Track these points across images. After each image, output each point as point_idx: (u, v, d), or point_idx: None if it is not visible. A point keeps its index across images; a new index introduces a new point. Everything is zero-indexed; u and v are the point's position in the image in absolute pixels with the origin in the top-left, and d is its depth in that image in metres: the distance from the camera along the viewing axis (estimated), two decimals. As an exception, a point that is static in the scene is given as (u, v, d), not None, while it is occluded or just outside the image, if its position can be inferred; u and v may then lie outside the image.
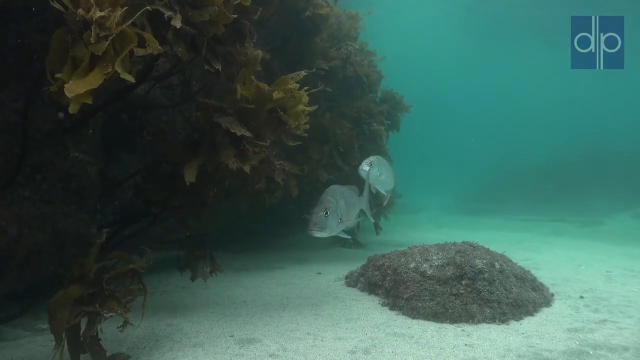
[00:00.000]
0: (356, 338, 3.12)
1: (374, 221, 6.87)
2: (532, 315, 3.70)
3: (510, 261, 4.35)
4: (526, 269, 4.42)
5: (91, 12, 2.11)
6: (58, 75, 2.10)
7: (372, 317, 3.63)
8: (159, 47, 2.34)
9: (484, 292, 3.69)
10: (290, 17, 5.48)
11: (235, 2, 2.90)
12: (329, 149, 6.41)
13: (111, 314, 2.36)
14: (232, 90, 3.14)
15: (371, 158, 4.06)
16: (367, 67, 6.99)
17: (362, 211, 3.58)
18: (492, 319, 3.52)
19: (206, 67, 2.90)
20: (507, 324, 3.48)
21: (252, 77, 3.18)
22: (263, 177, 3.80)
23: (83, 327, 2.40)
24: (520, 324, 3.50)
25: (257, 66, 3.27)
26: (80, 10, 2.10)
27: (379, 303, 4.01)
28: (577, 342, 3.05)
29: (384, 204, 6.45)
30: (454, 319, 3.50)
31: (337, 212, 3.01)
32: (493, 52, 32.60)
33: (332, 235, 3.08)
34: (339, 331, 3.27)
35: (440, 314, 3.55)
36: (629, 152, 18.58)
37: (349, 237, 3.46)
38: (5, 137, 2.68)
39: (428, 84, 38.87)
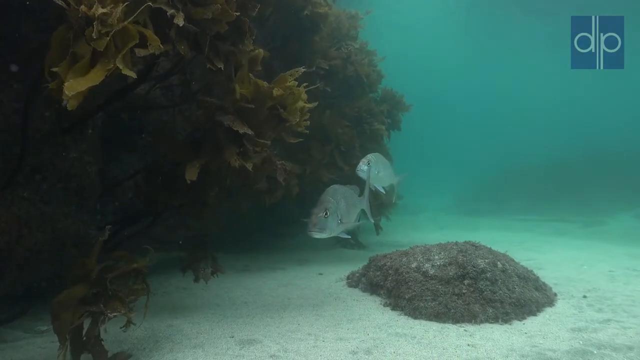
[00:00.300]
0: (358, 338, 3.10)
1: (373, 221, 6.85)
2: (535, 315, 3.67)
3: (513, 261, 4.33)
4: (529, 268, 4.40)
5: (93, 8, 2.11)
6: (55, 69, 2.09)
7: (374, 317, 3.61)
8: (161, 46, 2.33)
9: (487, 291, 3.67)
10: (289, 16, 5.48)
11: (236, -1, 2.88)
12: (331, 148, 6.40)
13: (115, 314, 2.35)
14: (231, 89, 3.12)
15: (368, 156, 4.03)
16: (368, 67, 6.99)
17: (362, 211, 3.56)
18: (495, 319, 3.49)
19: (208, 65, 2.89)
20: (510, 324, 3.45)
21: (251, 75, 3.17)
22: (264, 177, 3.79)
23: (83, 327, 2.39)
24: (524, 323, 3.47)
25: (258, 65, 3.26)
26: (82, 7, 2.11)
27: (381, 303, 3.98)
28: (581, 342, 3.03)
29: (393, 200, 6.43)
30: (457, 319, 3.48)
31: (337, 212, 2.99)
32: (493, 51, 32.61)
33: (332, 236, 3.05)
34: (341, 332, 3.25)
35: (443, 314, 3.53)
36: (631, 152, 18.54)
37: (349, 236, 3.44)
38: (5, 137, 2.67)
39: (427, 84, 38.89)
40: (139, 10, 2.28)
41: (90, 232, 3.24)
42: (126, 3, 2.22)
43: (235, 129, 3.00)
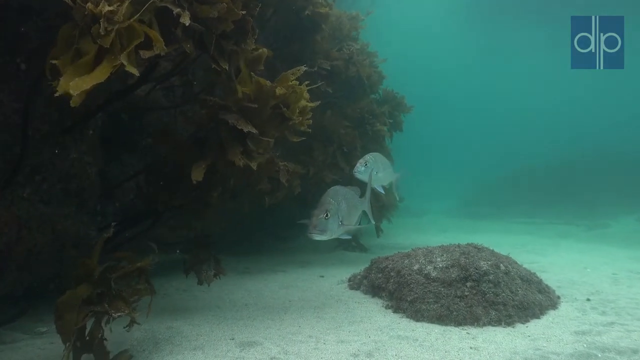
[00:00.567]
0: (359, 341, 3.07)
1: (374, 222, 6.81)
2: (538, 317, 3.64)
3: (516, 263, 4.30)
4: (532, 271, 4.36)
5: (100, 6, 2.12)
6: (54, 62, 2.09)
7: (376, 319, 3.58)
8: (164, 47, 2.32)
9: (489, 294, 3.64)
10: (290, 16, 5.48)
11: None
12: (333, 149, 6.37)
13: (119, 314, 2.34)
14: (233, 89, 3.11)
15: (366, 157, 3.98)
16: (369, 68, 6.97)
17: (364, 213, 3.53)
18: (498, 322, 3.46)
19: (213, 65, 2.87)
20: (513, 327, 3.42)
21: (252, 74, 3.15)
22: (265, 178, 3.77)
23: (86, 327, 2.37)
24: (527, 326, 3.44)
25: (261, 65, 3.24)
26: (89, 5, 2.12)
27: (383, 306, 3.95)
28: (585, 345, 3.00)
29: (397, 198, 6.37)
30: (459, 322, 3.45)
31: (337, 214, 2.95)
32: (493, 52, 32.58)
33: (332, 238, 3.02)
34: (342, 334, 3.22)
35: (445, 317, 3.50)
36: (634, 154, 18.43)
37: (349, 236, 3.40)
38: (5, 137, 2.66)
39: (428, 85, 38.82)
40: (144, 8, 2.27)
41: (90, 233, 3.23)
42: (131, 0, 2.22)
43: (240, 127, 2.98)
